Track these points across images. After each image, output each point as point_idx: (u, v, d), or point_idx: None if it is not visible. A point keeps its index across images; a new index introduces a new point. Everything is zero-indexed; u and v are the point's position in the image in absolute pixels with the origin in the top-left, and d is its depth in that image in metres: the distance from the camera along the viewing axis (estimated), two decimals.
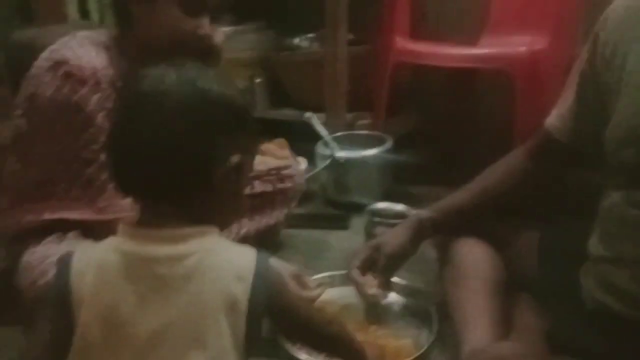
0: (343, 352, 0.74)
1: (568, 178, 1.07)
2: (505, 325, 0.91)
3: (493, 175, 0.98)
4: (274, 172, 1.28)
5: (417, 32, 1.79)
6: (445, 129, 1.97)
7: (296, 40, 1.97)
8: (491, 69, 1.70)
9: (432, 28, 1.95)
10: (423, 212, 1.02)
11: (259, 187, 1.25)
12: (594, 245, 0.81)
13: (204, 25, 0.93)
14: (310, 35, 1.98)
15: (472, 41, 1.66)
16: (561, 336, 0.85)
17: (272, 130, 1.91)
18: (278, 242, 1.39)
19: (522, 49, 1.46)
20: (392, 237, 1.01)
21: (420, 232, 1.00)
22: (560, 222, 0.98)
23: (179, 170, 0.59)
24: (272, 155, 1.59)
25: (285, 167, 1.30)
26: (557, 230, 0.95)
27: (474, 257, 0.99)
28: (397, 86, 1.85)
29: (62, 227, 0.88)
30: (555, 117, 0.90)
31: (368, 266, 1.02)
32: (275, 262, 0.99)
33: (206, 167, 0.60)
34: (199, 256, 0.60)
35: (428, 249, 1.10)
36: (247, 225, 1.24)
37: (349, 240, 1.44)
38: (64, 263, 0.59)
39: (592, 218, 0.84)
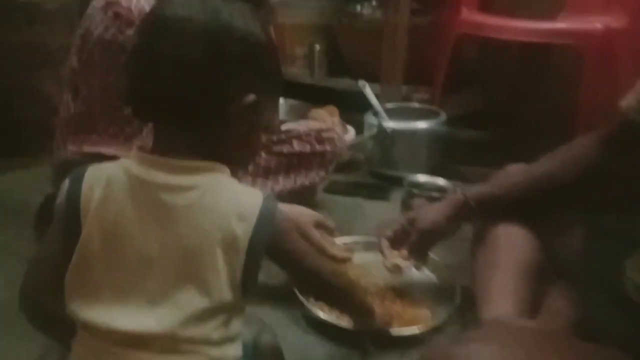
0: (349, 306, 0.73)
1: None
2: (532, 308, 0.86)
3: (557, 160, 0.89)
4: (313, 133, 1.27)
5: (486, 6, 1.69)
6: (508, 110, 1.88)
7: (358, 7, 1.93)
8: (562, 46, 1.59)
9: (504, 3, 1.84)
10: (470, 189, 0.94)
11: (296, 146, 1.25)
12: (631, 271, 0.74)
13: None
14: (373, 2, 1.93)
15: (547, 20, 1.55)
16: (597, 327, 0.78)
17: (326, 97, 1.92)
18: (314, 203, 1.38)
19: (597, 25, 1.34)
20: (430, 212, 0.96)
21: (463, 211, 0.93)
22: (611, 211, 0.89)
23: (193, 98, 0.60)
24: (322, 121, 1.59)
25: (326, 130, 1.29)
26: (606, 218, 0.87)
27: (511, 238, 0.93)
28: (460, 61, 1.77)
29: (100, 161, 0.93)
30: (633, 99, 0.81)
31: (400, 239, 0.99)
32: (290, 209, 0.99)
33: (220, 99, 0.60)
34: (203, 190, 0.61)
35: (465, 227, 1.05)
36: (283, 183, 1.25)
37: (386, 211, 1.41)
38: (77, 176, 0.62)
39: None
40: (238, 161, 0.67)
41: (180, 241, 0.60)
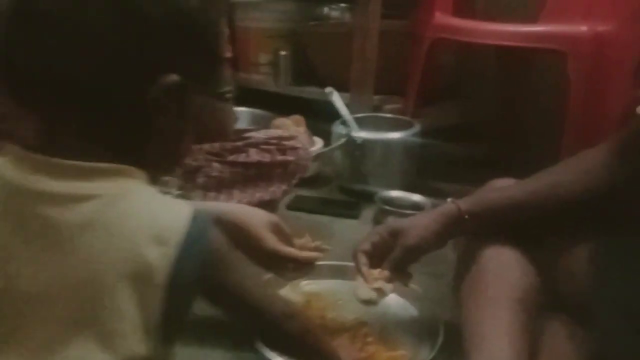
0: (306, 354, 0.57)
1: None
2: (529, 350, 0.71)
3: (565, 171, 0.77)
4: (274, 141, 1.11)
5: (460, 10, 1.58)
6: (488, 121, 1.77)
7: (326, 10, 1.80)
8: (545, 51, 1.48)
9: (480, 7, 1.75)
10: (464, 201, 0.79)
11: (254, 155, 1.09)
12: None
13: None
14: (342, 4, 1.80)
15: (525, 23, 1.45)
16: None
17: (292, 106, 1.78)
18: None
19: (584, 28, 1.24)
20: (416, 225, 0.81)
21: (454, 225, 0.78)
22: (622, 233, 0.76)
23: (91, 74, 0.43)
24: (285, 130, 1.43)
25: (289, 138, 1.13)
26: (617, 242, 0.74)
27: (502, 262, 0.79)
28: (435, 69, 1.66)
29: None
30: None
31: (380, 255, 0.83)
32: (238, 209, 0.86)
33: (129, 78, 0.44)
34: (104, 201, 0.44)
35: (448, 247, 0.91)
36: (238, 197, 1.08)
37: (356, 230, 1.26)
38: None
39: None
40: (157, 164, 0.50)
41: (72, 273, 0.43)
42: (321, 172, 1.57)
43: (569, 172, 0.75)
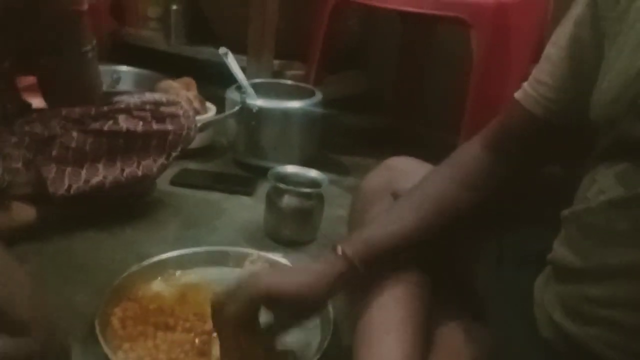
0: None
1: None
2: (421, 344, 0.66)
3: (446, 185, 0.67)
4: (150, 107, 0.95)
5: None
6: (392, 91, 1.72)
7: None
8: (450, 19, 1.43)
9: None
10: (349, 249, 0.63)
11: (124, 123, 0.92)
12: (559, 253, 0.56)
13: None
14: None
15: None
16: None
17: (183, 67, 1.60)
18: (152, 199, 1.07)
19: None
20: (299, 290, 0.62)
21: (346, 280, 0.63)
22: (513, 226, 0.71)
23: None
24: (170, 94, 1.27)
25: (169, 103, 0.97)
26: (508, 223, 0.69)
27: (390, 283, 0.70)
28: (342, 36, 1.56)
29: None
30: (530, 88, 0.63)
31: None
32: None
33: None
34: None
35: None
36: (103, 173, 0.91)
37: (249, 209, 1.14)
38: None
39: (553, 220, 0.58)
40: None
41: None
42: (214, 143, 1.42)
43: (449, 188, 0.67)
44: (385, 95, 1.74)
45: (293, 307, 0.62)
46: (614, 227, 0.49)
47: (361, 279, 0.64)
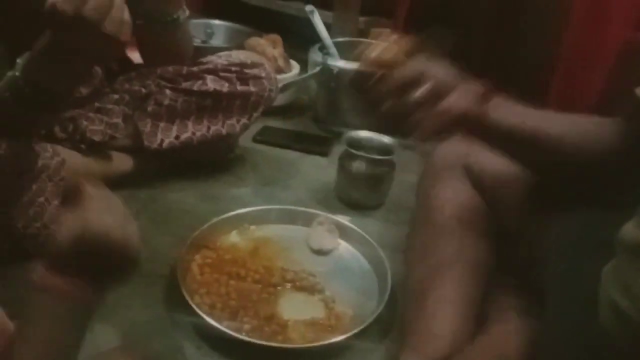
0: None
1: None
2: (474, 320, 0.68)
3: (584, 121, 0.67)
4: (235, 68, 1.00)
5: None
6: (483, 51, 1.63)
7: None
8: None
9: None
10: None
11: (211, 84, 0.99)
12: (632, 230, 0.54)
13: None
14: None
15: None
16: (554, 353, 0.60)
17: (271, 23, 1.63)
18: (233, 156, 1.14)
19: None
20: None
21: (480, 102, 0.66)
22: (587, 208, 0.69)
23: None
24: (260, 53, 1.31)
25: (253, 65, 1.02)
26: (580, 216, 0.67)
27: (460, 216, 0.74)
28: None
29: None
30: None
31: None
32: None
33: None
34: None
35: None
36: (192, 129, 0.99)
37: (323, 170, 1.18)
38: None
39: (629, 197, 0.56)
40: None
41: None
42: (296, 101, 1.46)
43: (586, 125, 0.66)
44: (473, 56, 1.66)
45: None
46: None
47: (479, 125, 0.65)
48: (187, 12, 0.97)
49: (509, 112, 0.67)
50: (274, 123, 1.35)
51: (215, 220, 0.89)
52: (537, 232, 0.68)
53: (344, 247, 0.90)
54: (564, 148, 0.66)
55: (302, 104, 1.46)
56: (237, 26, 1.72)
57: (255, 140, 1.26)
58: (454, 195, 0.76)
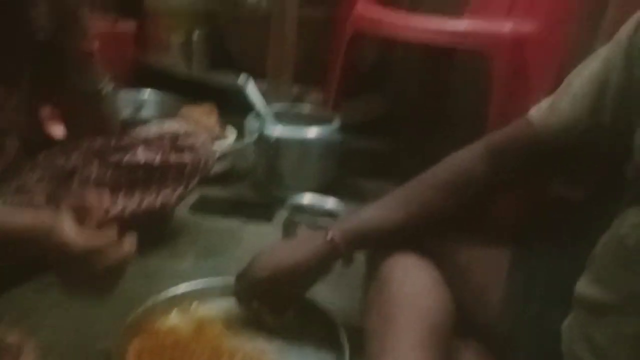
0: None
1: (545, 192, 0.82)
2: None
3: (435, 185, 0.72)
4: (167, 138, 0.97)
5: (386, 0, 1.50)
6: (410, 117, 1.71)
7: None
8: (468, 50, 1.44)
9: (411, 2, 1.68)
10: (336, 229, 0.73)
11: (142, 155, 0.94)
12: (586, 287, 0.55)
13: None
14: None
15: (452, 17, 1.39)
16: None
17: (204, 93, 1.62)
18: (169, 228, 1.08)
19: (506, 30, 1.20)
20: (291, 268, 0.74)
21: (331, 256, 0.73)
22: (534, 246, 0.71)
23: None
24: (195, 122, 1.29)
25: (186, 135, 0.99)
26: (532, 258, 0.68)
27: (411, 281, 0.72)
28: (358, 62, 1.57)
29: None
30: (547, 110, 0.65)
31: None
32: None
33: None
34: None
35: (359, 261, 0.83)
36: (122, 204, 0.93)
37: (266, 236, 1.14)
38: None
39: (580, 248, 0.58)
40: None
41: None
42: (233, 169, 1.43)
43: (439, 186, 0.70)
44: (403, 120, 1.74)
45: (288, 285, 0.73)
46: None
47: (349, 257, 0.73)
48: (112, 85, 0.94)
49: (362, 233, 0.72)
50: (212, 192, 1.31)
51: (152, 300, 0.81)
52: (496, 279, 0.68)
53: (296, 318, 0.85)
54: (437, 206, 0.70)
55: (241, 171, 1.44)
56: (168, 96, 1.70)
57: (192, 210, 1.20)
58: (407, 269, 0.74)
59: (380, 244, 0.73)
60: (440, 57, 1.61)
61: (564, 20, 1.26)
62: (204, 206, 1.23)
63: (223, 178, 1.38)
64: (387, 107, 1.77)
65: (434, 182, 0.70)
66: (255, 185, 1.36)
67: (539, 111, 0.66)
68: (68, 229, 0.62)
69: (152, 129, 0.99)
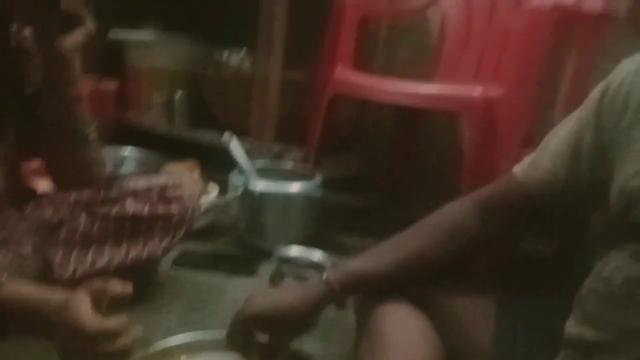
0: None
1: (526, 242, 0.87)
2: None
3: (428, 233, 0.75)
4: (155, 189, 0.98)
5: (361, 64, 1.60)
6: (389, 174, 1.78)
7: (225, 55, 1.74)
8: (441, 112, 1.54)
9: (379, 63, 1.80)
10: (332, 274, 0.74)
11: (131, 207, 0.94)
12: (575, 327, 0.58)
13: None
14: (242, 50, 1.75)
15: (422, 82, 1.50)
16: None
17: (186, 151, 1.65)
18: (155, 282, 1.07)
19: (477, 93, 1.29)
20: (284, 309, 0.73)
21: (326, 300, 0.74)
22: (519, 293, 0.74)
23: None
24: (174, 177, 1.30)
25: (173, 187, 1.00)
26: (516, 304, 0.71)
27: (402, 331, 0.73)
28: (337, 122, 1.65)
29: None
30: (529, 166, 0.71)
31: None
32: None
33: None
34: None
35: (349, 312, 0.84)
36: (109, 255, 0.92)
37: (251, 290, 1.13)
38: None
39: (564, 292, 0.62)
40: None
41: None
42: (216, 223, 1.44)
43: (433, 236, 0.74)
44: (377, 178, 1.80)
45: (281, 325, 0.72)
46: (634, 298, 0.52)
47: (342, 301, 0.74)
48: (97, 130, 0.95)
49: (358, 278, 0.74)
50: (194, 246, 1.30)
51: (140, 354, 0.79)
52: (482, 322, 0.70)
53: None
54: (427, 260, 0.73)
55: (222, 226, 1.45)
56: (148, 154, 1.72)
57: (175, 264, 1.19)
58: (398, 318, 0.75)
59: (374, 288, 0.74)
60: (411, 118, 1.70)
61: (526, 85, 1.37)
62: (186, 261, 1.22)
63: (205, 233, 1.38)
64: (361, 165, 1.83)
65: (427, 231, 0.73)
66: (238, 240, 1.37)
67: (522, 168, 0.70)
68: (85, 309, 0.64)
69: (140, 181, 1.00)
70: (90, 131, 0.93)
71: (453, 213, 0.74)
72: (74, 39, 0.87)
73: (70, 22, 0.88)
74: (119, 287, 0.69)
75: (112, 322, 0.65)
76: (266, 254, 1.24)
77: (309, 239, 1.31)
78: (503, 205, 0.72)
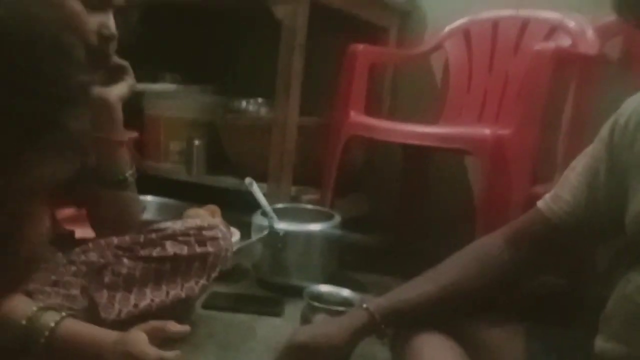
0: None
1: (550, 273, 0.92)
2: None
3: (463, 265, 0.80)
4: (193, 231, 1.02)
5: (371, 111, 1.69)
6: (400, 213, 1.83)
7: (243, 104, 1.82)
8: (450, 152, 1.61)
9: (386, 109, 1.89)
10: (372, 301, 0.80)
11: (171, 248, 0.99)
12: (603, 344, 0.62)
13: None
14: (259, 99, 1.84)
15: (428, 125, 1.58)
16: None
17: (206, 196, 1.70)
18: (189, 322, 1.09)
19: (487, 132, 1.37)
20: (327, 338, 0.76)
21: (367, 332, 0.78)
22: (549, 321, 0.78)
23: None
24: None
25: (209, 228, 1.05)
26: (546, 331, 0.75)
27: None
28: (350, 165, 1.72)
29: None
30: (551, 200, 0.77)
31: None
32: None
33: None
34: None
35: (379, 348, 0.87)
36: (150, 296, 0.95)
37: (280, 329, 1.17)
38: None
39: (589, 315, 0.67)
40: None
41: None
42: (237, 266, 1.47)
43: (465, 268, 0.79)
44: (386, 217, 1.85)
45: (326, 353, 0.74)
46: None
47: (381, 329, 0.77)
48: (135, 174, 1.01)
49: (400, 310, 0.78)
50: (219, 289, 1.33)
51: None
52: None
53: None
54: (464, 290, 0.78)
55: (243, 267, 1.48)
56: (168, 201, 1.77)
57: (205, 306, 1.22)
58: (434, 349, 0.77)
59: (412, 319, 0.78)
60: (420, 157, 1.77)
61: (530, 125, 1.45)
62: (215, 303, 1.25)
63: (228, 276, 1.41)
64: (372, 205, 1.89)
65: (463, 264, 0.78)
66: (261, 281, 1.40)
67: (545, 202, 0.77)
68: (145, 342, 0.71)
69: (177, 225, 1.05)
70: (130, 174, 1.00)
71: (486, 246, 0.80)
72: (120, 89, 0.95)
73: (117, 74, 0.96)
74: (177, 326, 0.73)
75: (171, 353, 0.69)
76: (290, 293, 1.27)
77: (328, 277, 1.35)
78: (531, 238, 0.77)
